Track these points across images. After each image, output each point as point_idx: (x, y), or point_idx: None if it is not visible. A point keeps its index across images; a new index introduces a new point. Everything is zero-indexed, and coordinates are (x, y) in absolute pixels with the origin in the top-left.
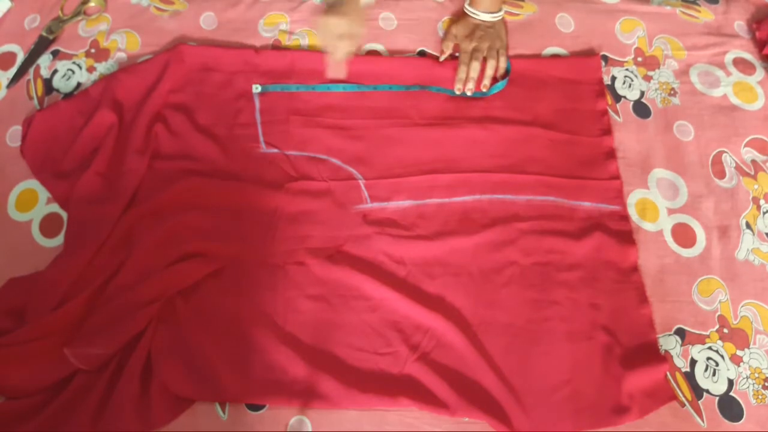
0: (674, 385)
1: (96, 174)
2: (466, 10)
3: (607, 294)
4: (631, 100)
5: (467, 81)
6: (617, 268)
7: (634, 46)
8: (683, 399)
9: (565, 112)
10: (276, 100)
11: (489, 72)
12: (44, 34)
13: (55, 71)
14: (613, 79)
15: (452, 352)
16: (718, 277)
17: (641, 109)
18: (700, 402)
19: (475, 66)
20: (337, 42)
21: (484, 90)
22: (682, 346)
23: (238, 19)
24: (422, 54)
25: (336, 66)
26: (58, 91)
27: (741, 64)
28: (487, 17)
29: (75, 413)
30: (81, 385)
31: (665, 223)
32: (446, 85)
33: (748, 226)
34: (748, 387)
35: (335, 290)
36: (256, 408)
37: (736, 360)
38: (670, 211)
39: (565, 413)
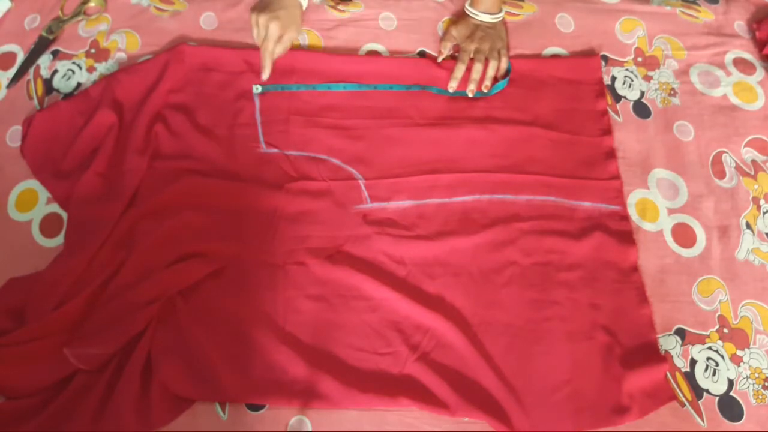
0: (674, 385)
1: (96, 174)
2: (466, 11)
3: (607, 294)
4: (631, 100)
5: (469, 82)
6: (617, 268)
7: (634, 46)
8: (683, 399)
9: (565, 112)
10: (276, 100)
11: (490, 72)
12: (44, 34)
13: (55, 71)
14: (613, 79)
15: (452, 352)
16: (718, 277)
17: (641, 109)
18: (700, 402)
19: (478, 68)
20: (272, 46)
21: (485, 90)
22: (682, 346)
23: (238, 19)
24: (422, 54)
25: (266, 67)
26: (58, 91)
27: (741, 64)
28: (488, 18)
29: (75, 413)
30: (81, 385)
31: (665, 223)
32: (447, 86)
33: (748, 226)
34: (748, 387)
35: (335, 290)
36: (256, 408)
37: (736, 360)
38: (670, 211)
39: (565, 413)
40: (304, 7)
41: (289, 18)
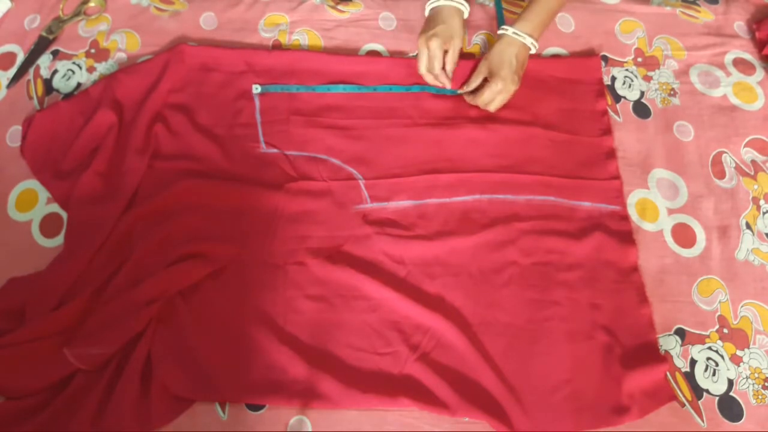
0: (674, 385)
1: (96, 174)
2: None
3: (607, 294)
4: (631, 101)
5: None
6: (617, 268)
7: (634, 47)
8: (683, 399)
9: (565, 112)
10: (276, 100)
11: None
12: (44, 34)
13: (55, 71)
14: (613, 79)
15: (452, 352)
16: (718, 277)
17: (641, 109)
18: (700, 402)
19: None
20: (438, 65)
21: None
22: (682, 346)
23: (238, 19)
24: None
25: (444, 84)
26: (58, 91)
27: (741, 65)
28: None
29: (75, 413)
30: (81, 385)
31: (665, 223)
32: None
33: (747, 226)
34: (748, 387)
35: (335, 290)
36: (256, 408)
37: (736, 360)
38: (670, 211)
39: (565, 413)
40: (465, 15)
41: (448, 30)
